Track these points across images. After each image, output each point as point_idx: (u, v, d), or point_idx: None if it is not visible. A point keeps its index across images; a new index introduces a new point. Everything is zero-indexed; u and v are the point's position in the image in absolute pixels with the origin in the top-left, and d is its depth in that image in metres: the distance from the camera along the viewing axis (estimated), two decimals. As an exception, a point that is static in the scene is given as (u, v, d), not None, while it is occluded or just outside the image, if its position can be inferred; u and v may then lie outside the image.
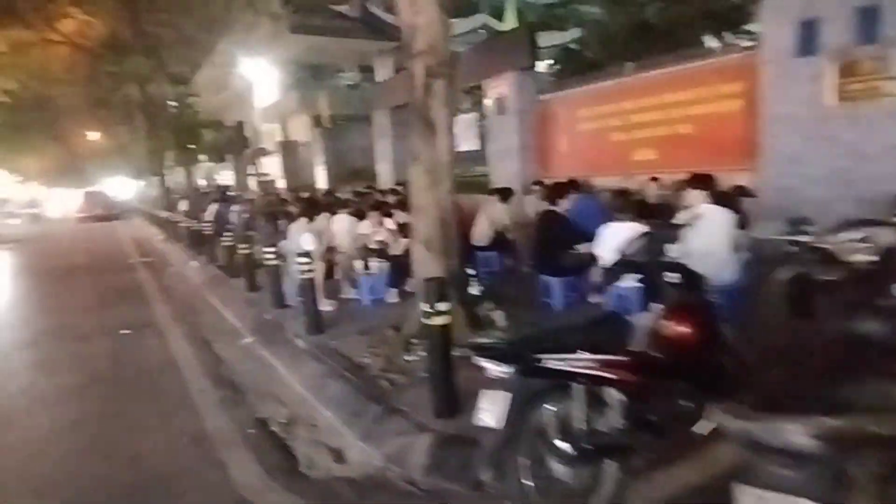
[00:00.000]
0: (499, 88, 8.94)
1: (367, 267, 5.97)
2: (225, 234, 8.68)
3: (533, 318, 4.71)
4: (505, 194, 6.74)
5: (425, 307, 3.17)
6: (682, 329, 2.51)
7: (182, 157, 13.49)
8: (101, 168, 43.92)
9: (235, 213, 13.65)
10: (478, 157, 10.98)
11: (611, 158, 7.80)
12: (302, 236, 5.86)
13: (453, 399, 3.18)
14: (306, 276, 4.96)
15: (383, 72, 16.35)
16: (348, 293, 6.14)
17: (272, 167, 23.85)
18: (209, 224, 11.07)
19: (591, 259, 4.72)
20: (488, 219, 6.45)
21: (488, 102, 9.28)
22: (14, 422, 3.85)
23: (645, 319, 2.88)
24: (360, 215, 6.58)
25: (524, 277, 5.96)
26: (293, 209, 9.50)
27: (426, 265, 4.32)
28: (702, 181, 4.09)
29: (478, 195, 7.31)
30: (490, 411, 2.23)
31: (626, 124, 7.63)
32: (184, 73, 19.42)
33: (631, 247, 3.86)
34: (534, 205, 6.51)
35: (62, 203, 41.32)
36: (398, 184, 11.11)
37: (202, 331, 5.91)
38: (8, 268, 11.97)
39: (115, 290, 8.43)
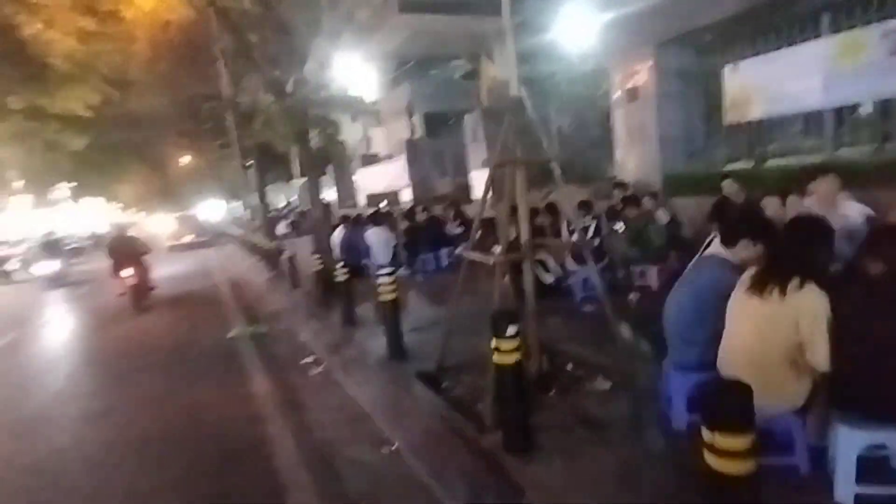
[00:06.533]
0: None
1: None
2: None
3: None
4: None
5: None
6: None
7: (304, 163, 8.78)
8: (194, 191, 42.23)
9: (383, 241, 8.72)
10: None
11: None
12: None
13: None
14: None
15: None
16: None
17: (384, 176, 19.23)
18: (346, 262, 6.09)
19: None
20: None
21: None
22: None
23: None
24: None
25: None
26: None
27: None
28: None
29: None
30: None
31: None
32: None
33: None
34: None
35: (160, 229, 39.49)
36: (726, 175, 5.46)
37: None
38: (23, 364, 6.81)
39: (210, 464, 3.44)
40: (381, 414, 3.65)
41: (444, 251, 8.99)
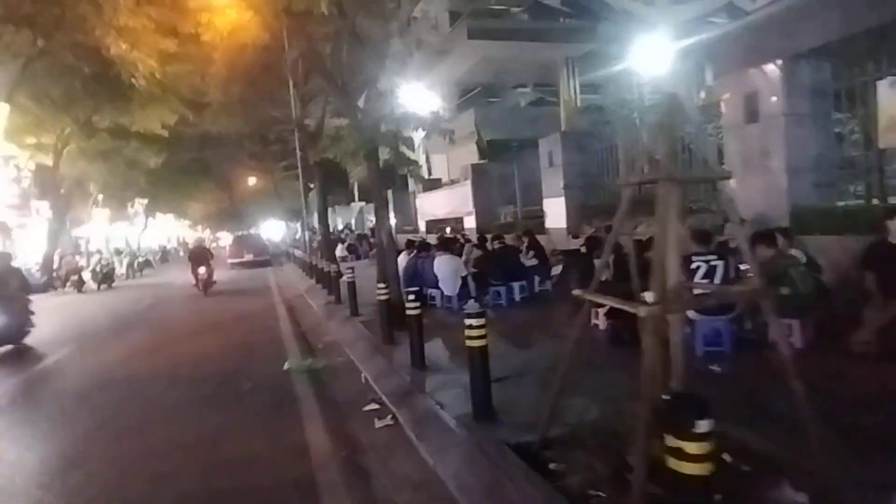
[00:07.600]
0: None
1: None
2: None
3: None
4: None
5: None
6: None
7: (370, 184, 8.19)
8: (257, 211, 43.48)
9: (452, 270, 7.98)
10: None
11: None
12: None
13: None
14: None
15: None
16: None
17: (446, 201, 18.70)
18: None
19: None
20: None
21: None
22: None
23: None
24: None
25: None
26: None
27: None
28: None
29: None
30: None
31: None
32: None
33: None
34: None
35: (222, 245, 40.97)
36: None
37: None
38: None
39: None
40: (473, 502, 2.80)
41: (516, 284, 8.15)
